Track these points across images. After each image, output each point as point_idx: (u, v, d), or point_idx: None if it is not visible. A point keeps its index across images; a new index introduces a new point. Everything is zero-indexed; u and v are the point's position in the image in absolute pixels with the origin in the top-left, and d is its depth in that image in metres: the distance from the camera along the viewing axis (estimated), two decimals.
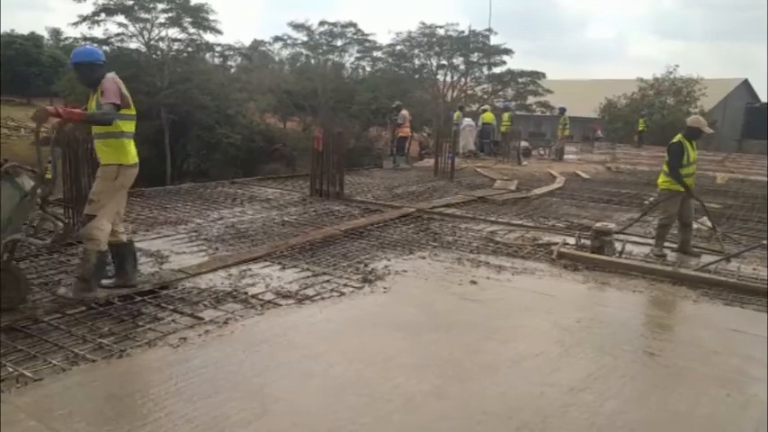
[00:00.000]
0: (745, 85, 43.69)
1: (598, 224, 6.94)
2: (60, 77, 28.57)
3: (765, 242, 7.30)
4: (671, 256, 6.91)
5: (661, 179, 7.02)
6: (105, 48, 27.72)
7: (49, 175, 4.34)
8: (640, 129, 28.90)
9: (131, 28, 26.92)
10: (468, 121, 19.78)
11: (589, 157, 21.18)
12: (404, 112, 16.35)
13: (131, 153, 4.66)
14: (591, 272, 6.09)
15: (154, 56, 27.61)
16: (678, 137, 6.92)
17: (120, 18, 26.47)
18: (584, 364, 3.90)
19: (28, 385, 3.28)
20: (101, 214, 4.49)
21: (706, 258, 6.76)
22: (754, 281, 5.93)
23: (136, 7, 26.34)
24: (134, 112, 4.71)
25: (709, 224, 7.51)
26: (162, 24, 27.09)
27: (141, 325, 4.18)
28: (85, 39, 28.04)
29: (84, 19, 26.20)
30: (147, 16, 26.69)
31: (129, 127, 4.65)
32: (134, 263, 4.91)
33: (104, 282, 4.72)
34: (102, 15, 26.21)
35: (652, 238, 7.30)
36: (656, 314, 5.24)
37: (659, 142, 28.38)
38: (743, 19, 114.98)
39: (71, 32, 34.22)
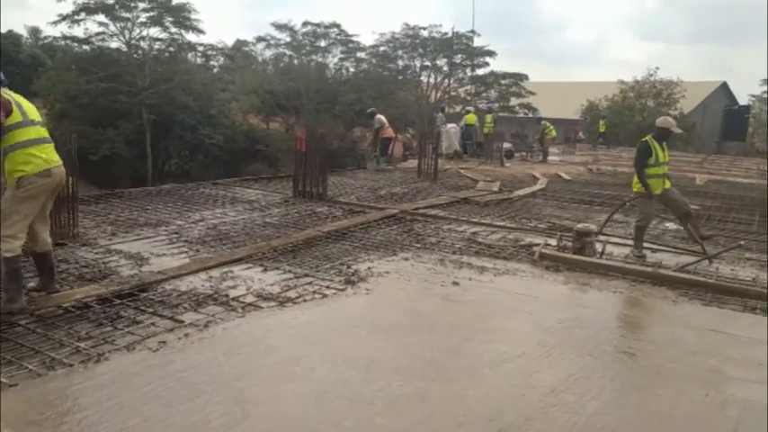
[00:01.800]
0: (724, 87, 44.34)
1: (579, 225, 6.99)
2: (39, 77, 28.17)
3: (743, 242, 7.41)
4: (651, 257, 6.98)
5: (635, 182, 7.10)
6: (86, 47, 27.49)
7: None
8: (602, 130, 29.33)
9: (112, 27, 26.71)
10: (452, 125, 19.90)
11: (571, 159, 21.36)
12: (378, 116, 16.41)
13: (34, 162, 4.30)
14: (572, 273, 6.13)
15: (135, 55, 27.39)
16: (647, 137, 7.03)
17: (101, 17, 26.24)
18: (566, 365, 3.91)
19: (2, 391, 3.21)
20: (9, 224, 4.27)
21: (685, 259, 6.83)
22: (732, 281, 6.01)
23: (116, 6, 26.10)
24: (22, 118, 4.29)
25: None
26: (143, 24, 26.91)
27: (120, 328, 4.12)
28: (65, 38, 27.75)
29: (65, 18, 25.94)
30: (127, 15, 26.49)
31: (26, 135, 4.30)
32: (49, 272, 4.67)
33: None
34: (83, 14, 25.94)
35: (632, 239, 7.37)
36: (636, 314, 5.29)
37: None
38: (720, 22, 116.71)
39: (51, 31, 33.78)
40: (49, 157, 4.44)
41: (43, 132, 4.48)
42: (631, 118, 35.38)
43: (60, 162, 4.55)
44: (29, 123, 4.36)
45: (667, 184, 7.12)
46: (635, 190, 7.13)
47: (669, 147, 7.15)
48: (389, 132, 16.71)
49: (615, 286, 5.74)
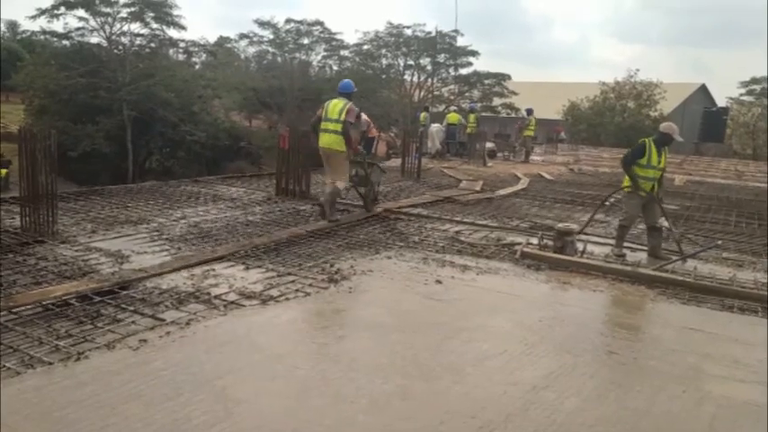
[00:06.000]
0: (703, 89, 45.03)
1: (560, 225, 7.05)
2: (18, 72, 27.68)
3: (720, 242, 7.52)
4: (630, 256, 7.06)
5: (624, 181, 7.17)
6: (65, 42, 27.10)
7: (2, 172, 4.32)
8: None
9: (92, 22, 26.33)
10: (436, 124, 19.97)
11: (552, 159, 21.52)
12: (364, 117, 16.31)
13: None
14: (553, 271, 6.19)
15: (115, 51, 27.04)
16: (647, 138, 7.09)
17: (81, 12, 25.84)
18: (546, 363, 3.95)
19: None
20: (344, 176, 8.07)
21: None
22: (710, 280, 6.10)
23: (97, 1, 25.73)
24: (322, 117, 7.91)
25: (667, 225, 7.69)
26: (124, 19, 26.56)
27: (100, 326, 4.08)
28: (44, 32, 27.32)
29: (43, 12, 25.51)
30: (108, 10, 26.12)
31: (321, 126, 7.89)
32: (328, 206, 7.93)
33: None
34: (62, 9, 25.54)
35: (613, 238, 7.46)
36: (616, 313, 5.36)
37: (620, 145, 29.06)
38: (699, 25, 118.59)
39: (29, 25, 33.25)
40: (321, 139, 7.92)
41: (329, 126, 7.82)
42: (612, 119, 35.78)
43: (325, 144, 7.90)
44: (324, 119, 7.86)
45: (656, 189, 7.10)
46: (625, 188, 7.16)
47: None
48: (373, 132, 16.78)
49: (595, 285, 5.80)
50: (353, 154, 8.17)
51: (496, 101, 35.01)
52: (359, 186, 8.75)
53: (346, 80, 8.27)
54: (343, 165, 7.96)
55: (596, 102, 37.09)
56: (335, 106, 7.83)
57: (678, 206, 11.19)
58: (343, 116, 7.70)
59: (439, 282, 5.59)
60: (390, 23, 34.62)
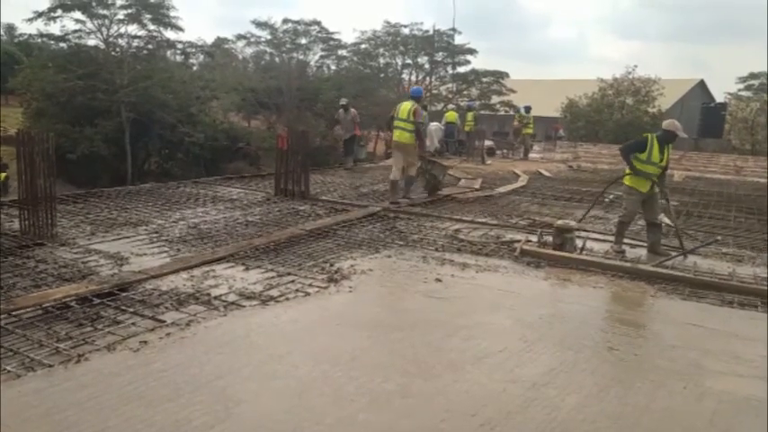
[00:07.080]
0: (701, 85, 45.00)
1: (559, 222, 7.05)
2: (16, 75, 27.64)
3: (719, 238, 7.53)
4: (630, 252, 7.06)
5: (626, 172, 7.15)
6: (63, 45, 27.08)
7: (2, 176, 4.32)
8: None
9: (89, 24, 26.28)
10: (434, 123, 19.94)
11: (551, 156, 21.52)
12: (353, 110, 16.00)
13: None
14: (553, 268, 6.19)
15: (113, 53, 27.00)
16: (650, 134, 7.10)
17: (78, 14, 25.80)
18: (546, 360, 3.95)
19: None
20: (414, 166, 9.85)
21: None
22: (710, 276, 6.10)
23: (94, 3, 25.70)
24: (395, 115, 9.71)
25: (667, 221, 7.69)
26: (121, 21, 26.52)
27: (100, 328, 4.08)
28: (42, 35, 27.30)
29: (40, 15, 25.47)
30: (105, 12, 26.08)
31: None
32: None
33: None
34: (59, 11, 25.50)
35: (612, 234, 7.46)
36: (616, 309, 5.36)
37: (619, 141, 29.04)
38: (697, 21, 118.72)
39: (26, 28, 33.22)
40: (394, 134, 9.70)
41: (399, 123, 9.55)
42: (610, 115, 35.77)
43: (397, 138, 9.67)
44: (396, 119, 9.59)
45: (655, 189, 7.03)
46: (626, 183, 7.16)
47: None
48: (357, 131, 16.55)
49: (595, 281, 5.81)
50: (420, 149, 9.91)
51: (495, 99, 34.99)
52: (423, 177, 10.59)
53: (416, 87, 10.71)
54: (413, 153, 9.68)
55: (594, 99, 37.05)
56: (405, 108, 9.53)
57: (677, 202, 11.19)
58: (411, 116, 9.42)
59: (438, 280, 5.59)
60: (388, 22, 34.61)
